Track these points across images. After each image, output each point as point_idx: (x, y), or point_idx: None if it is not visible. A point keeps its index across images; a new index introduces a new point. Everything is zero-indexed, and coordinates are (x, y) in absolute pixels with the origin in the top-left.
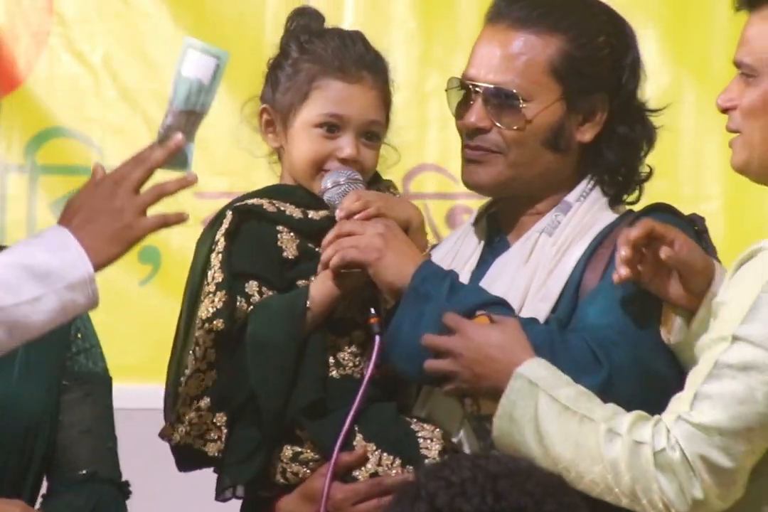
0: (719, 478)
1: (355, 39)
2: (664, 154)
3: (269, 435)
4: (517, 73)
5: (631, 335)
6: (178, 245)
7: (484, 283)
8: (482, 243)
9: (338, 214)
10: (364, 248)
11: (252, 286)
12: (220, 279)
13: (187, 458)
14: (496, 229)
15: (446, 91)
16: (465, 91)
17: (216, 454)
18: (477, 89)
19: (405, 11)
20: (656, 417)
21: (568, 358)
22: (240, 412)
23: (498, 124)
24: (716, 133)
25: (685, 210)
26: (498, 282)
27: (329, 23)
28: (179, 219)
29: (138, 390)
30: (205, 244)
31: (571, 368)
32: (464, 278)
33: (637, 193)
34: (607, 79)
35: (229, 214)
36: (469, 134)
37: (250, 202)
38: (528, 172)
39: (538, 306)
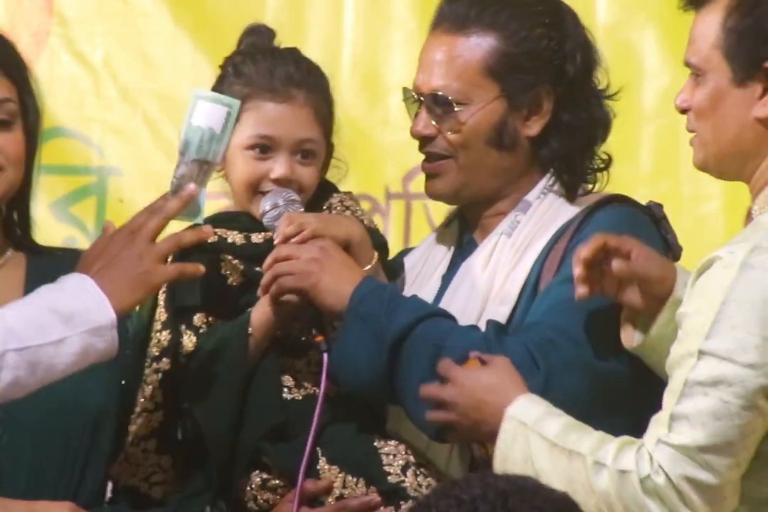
0: (707, 496)
1: (287, 57)
2: (664, 154)
3: (222, 467)
4: (453, 77)
5: (573, 334)
6: None
7: (451, 288)
8: (453, 245)
9: (275, 237)
10: (299, 274)
11: (199, 319)
12: (164, 318)
13: (132, 500)
14: (466, 231)
15: (403, 101)
16: (409, 99)
17: (161, 497)
18: (420, 98)
19: (405, 11)
20: (639, 442)
21: None
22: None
23: (441, 130)
24: None
25: (686, 210)
26: (462, 286)
27: (329, 23)
28: (196, 270)
29: None
30: None
31: None
32: (435, 283)
33: (598, 182)
34: (549, 71)
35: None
36: (421, 143)
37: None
38: (480, 173)
39: (498, 309)
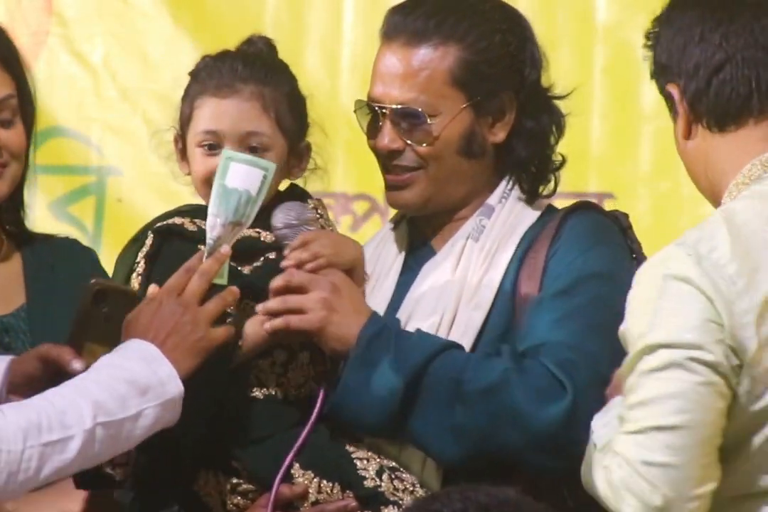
0: (669, 476)
1: (243, 57)
2: (664, 154)
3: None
4: (420, 90)
5: (588, 351)
6: None
7: (413, 293)
8: (404, 249)
9: (286, 260)
10: (309, 316)
11: None
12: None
13: (91, 479)
14: (418, 235)
15: (354, 112)
16: (372, 112)
17: (121, 479)
18: (384, 111)
19: None
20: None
21: (530, 389)
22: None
23: (410, 143)
24: None
25: (686, 210)
26: (427, 291)
27: (329, 23)
28: (239, 330)
29: None
30: (125, 263)
31: (535, 398)
32: (389, 286)
33: (552, 184)
34: (510, 77)
35: (150, 235)
36: (386, 156)
37: (170, 221)
38: (449, 183)
39: (472, 314)
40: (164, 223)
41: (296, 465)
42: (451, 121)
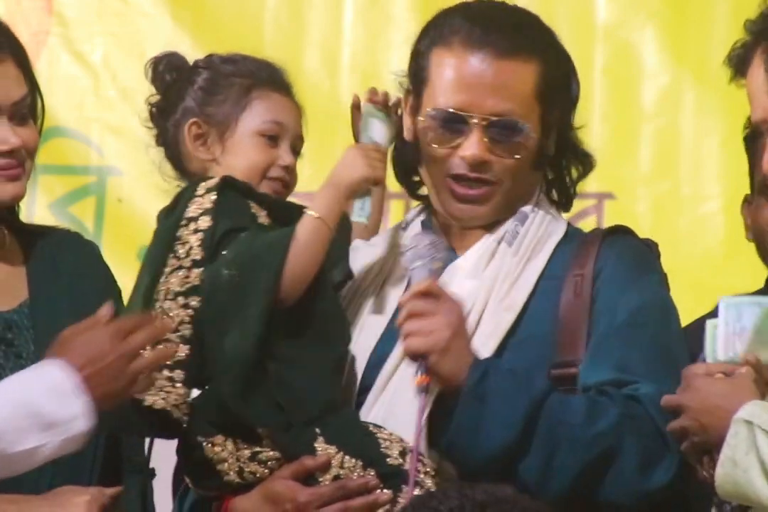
0: None
1: (271, 63)
2: (664, 154)
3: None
4: (514, 102)
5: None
6: None
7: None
8: None
9: (413, 290)
10: (432, 335)
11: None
12: (198, 257)
13: (157, 425)
14: (437, 236)
15: (426, 118)
16: (452, 121)
17: (185, 427)
18: (474, 120)
19: (405, 11)
20: None
21: (640, 449)
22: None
23: (499, 155)
24: (716, 133)
25: (686, 210)
26: (454, 289)
27: (329, 23)
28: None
29: None
30: (170, 221)
31: (643, 463)
32: (403, 285)
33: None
34: (566, 95)
35: (208, 195)
36: (465, 167)
37: (221, 178)
38: (518, 198)
39: (502, 315)
40: (217, 180)
41: (320, 439)
42: (535, 135)
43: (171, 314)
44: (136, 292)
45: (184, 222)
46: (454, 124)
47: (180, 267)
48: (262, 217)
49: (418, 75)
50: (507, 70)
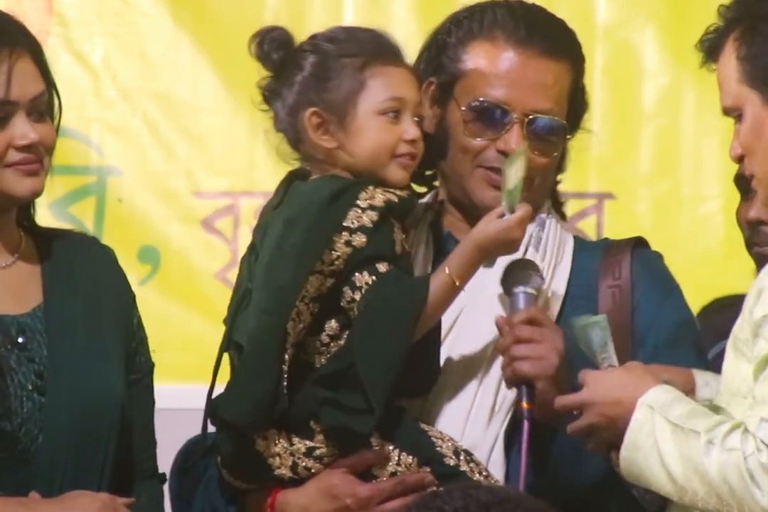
0: None
1: (376, 32)
2: (664, 154)
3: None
4: (554, 102)
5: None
6: (178, 245)
7: (466, 295)
8: (429, 249)
9: (521, 317)
10: (539, 360)
11: (383, 266)
12: (338, 269)
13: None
14: (447, 240)
15: (466, 110)
16: (494, 114)
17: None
18: (516, 115)
19: (405, 11)
20: (742, 423)
21: None
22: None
23: (535, 152)
24: (716, 133)
25: (685, 210)
26: (482, 294)
27: (329, 24)
28: None
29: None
30: (328, 221)
31: None
32: None
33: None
34: (585, 101)
35: (371, 212)
36: (500, 160)
37: (382, 199)
38: (539, 195)
39: None
40: (381, 201)
41: (375, 436)
42: (564, 137)
43: (301, 318)
44: (287, 287)
45: (339, 228)
46: (495, 117)
47: (321, 272)
48: (399, 246)
49: (447, 66)
50: (550, 69)
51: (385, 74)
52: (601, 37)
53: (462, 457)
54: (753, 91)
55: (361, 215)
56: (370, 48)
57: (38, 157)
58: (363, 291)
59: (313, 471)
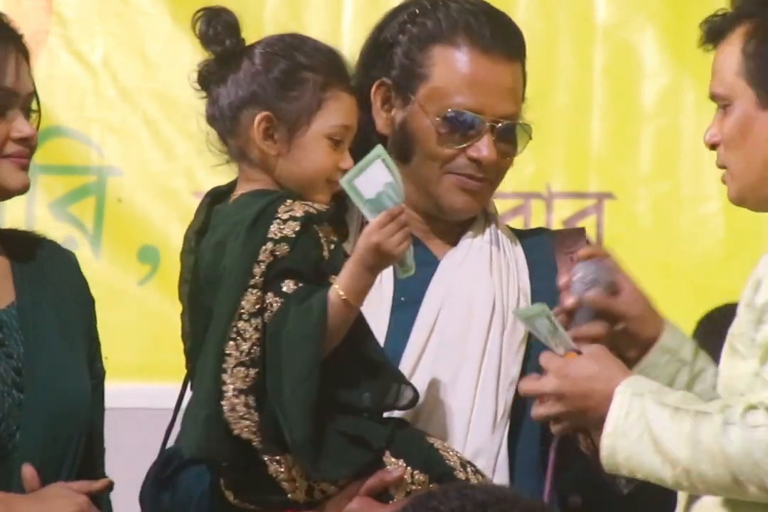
0: None
1: (337, 52)
2: (664, 154)
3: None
4: (517, 104)
5: None
6: (178, 245)
7: (436, 293)
8: None
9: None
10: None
11: (287, 285)
12: (260, 282)
13: (241, 453)
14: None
15: (441, 120)
16: (466, 123)
17: (262, 453)
18: (488, 123)
19: None
20: (758, 402)
21: None
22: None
23: (501, 155)
24: None
25: (685, 210)
26: (457, 292)
27: (328, 23)
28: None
29: (136, 389)
30: (254, 239)
31: None
32: (388, 285)
33: None
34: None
35: (292, 223)
36: (483, 167)
37: (302, 210)
38: (492, 194)
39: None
40: (301, 212)
41: (387, 453)
42: (526, 138)
43: (245, 335)
44: (221, 306)
45: (264, 242)
46: (468, 125)
47: (254, 287)
48: (326, 250)
49: (405, 68)
50: (511, 72)
51: (342, 100)
52: (601, 38)
53: (468, 469)
54: (749, 89)
55: (283, 227)
56: (333, 68)
57: (30, 153)
58: (268, 310)
59: (328, 493)
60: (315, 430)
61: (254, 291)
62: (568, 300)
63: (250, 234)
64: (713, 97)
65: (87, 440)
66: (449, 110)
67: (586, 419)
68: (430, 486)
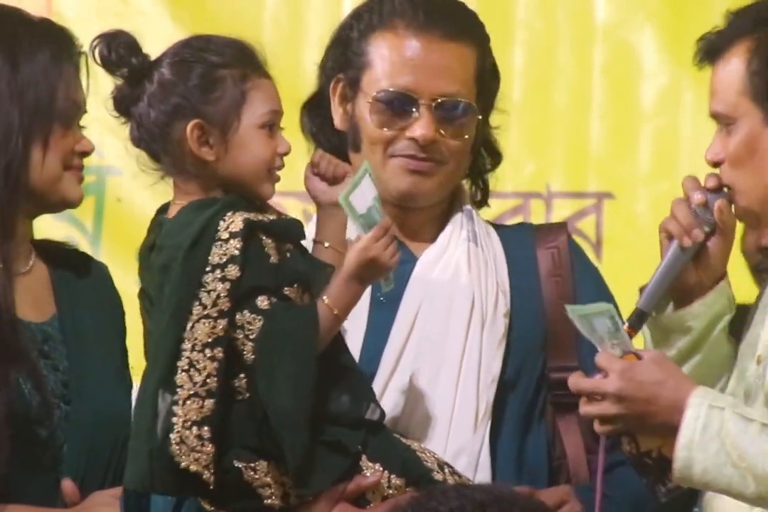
0: None
1: (243, 42)
2: (663, 154)
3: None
4: (462, 84)
5: None
6: None
7: (417, 288)
8: None
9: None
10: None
11: (262, 301)
12: (225, 308)
13: (189, 486)
14: None
15: (373, 101)
16: (401, 102)
17: (212, 488)
18: (423, 101)
19: None
20: None
21: None
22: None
23: (446, 136)
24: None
25: None
26: (435, 290)
27: (328, 23)
28: None
29: (135, 389)
30: (194, 264)
31: None
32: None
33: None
34: (495, 83)
35: (234, 241)
36: (422, 146)
37: (240, 223)
38: (455, 179)
39: (501, 320)
40: (241, 225)
41: (363, 457)
42: (476, 118)
43: (198, 366)
44: (164, 338)
45: (209, 268)
46: (402, 105)
47: (207, 317)
48: (273, 256)
49: (353, 61)
50: (453, 53)
51: (262, 86)
52: (600, 37)
53: (446, 470)
54: (755, 107)
55: (226, 247)
56: (245, 59)
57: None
58: (245, 330)
59: (303, 499)
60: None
61: (208, 321)
62: (698, 196)
63: (188, 260)
64: (715, 115)
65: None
66: (380, 90)
67: (643, 424)
68: (407, 490)
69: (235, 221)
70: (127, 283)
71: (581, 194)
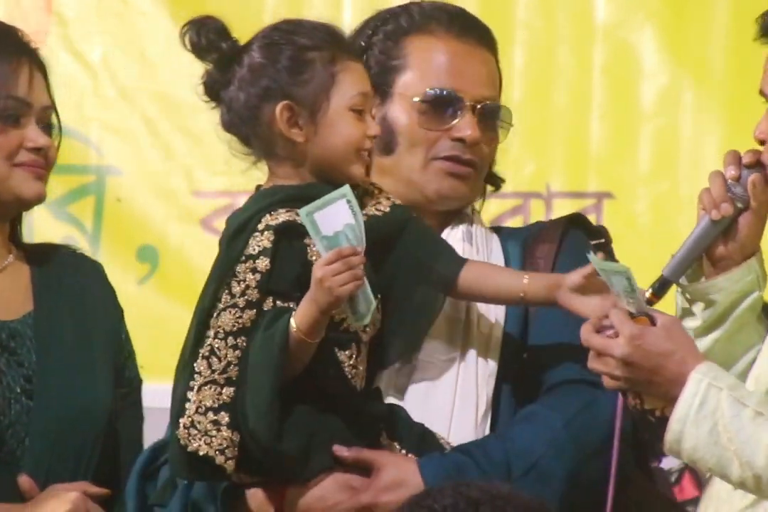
0: None
1: (332, 25)
2: (664, 154)
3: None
4: (495, 90)
5: None
6: (177, 244)
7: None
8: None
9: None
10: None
11: (269, 303)
12: (253, 299)
13: (202, 470)
14: None
15: (417, 102)
16: (446, 103)
17: (231, 472)
18: (468, 102)
19: None
20: None
21: None
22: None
23: (485, 139)
24: (715, 133)
25: (685, 210)
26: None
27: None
28: None
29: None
30: (232, 253)
31: None
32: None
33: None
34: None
35: (268, 233)
36: (468, 147)
37: (284, 218)
38: (480, 186)
39: (493, 321)
40: (280, 220)
41: (383, 434)
42: (507, 126)
43: (219, 354)
44: (191, 324)
45: (243, 258)
46: (448, 105)
47: (234, 306)
48: (316, 255)
49: (383, 65)
50: (486, 59)
51: (351, 69)
52: (600, 37)
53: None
54: None
55: (261, 239)
56: (334, 41)
57: (45, 163)
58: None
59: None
60: (293, 442)
61: (233, 310)
62: (732, 171)
63: (228, 247)
64: (764, 94)
65: (107, 447)
66: (428, 89)
67: (648, 389)
68: None
69: (279, 217)
70: (127, 283)
71: (581, 194)
